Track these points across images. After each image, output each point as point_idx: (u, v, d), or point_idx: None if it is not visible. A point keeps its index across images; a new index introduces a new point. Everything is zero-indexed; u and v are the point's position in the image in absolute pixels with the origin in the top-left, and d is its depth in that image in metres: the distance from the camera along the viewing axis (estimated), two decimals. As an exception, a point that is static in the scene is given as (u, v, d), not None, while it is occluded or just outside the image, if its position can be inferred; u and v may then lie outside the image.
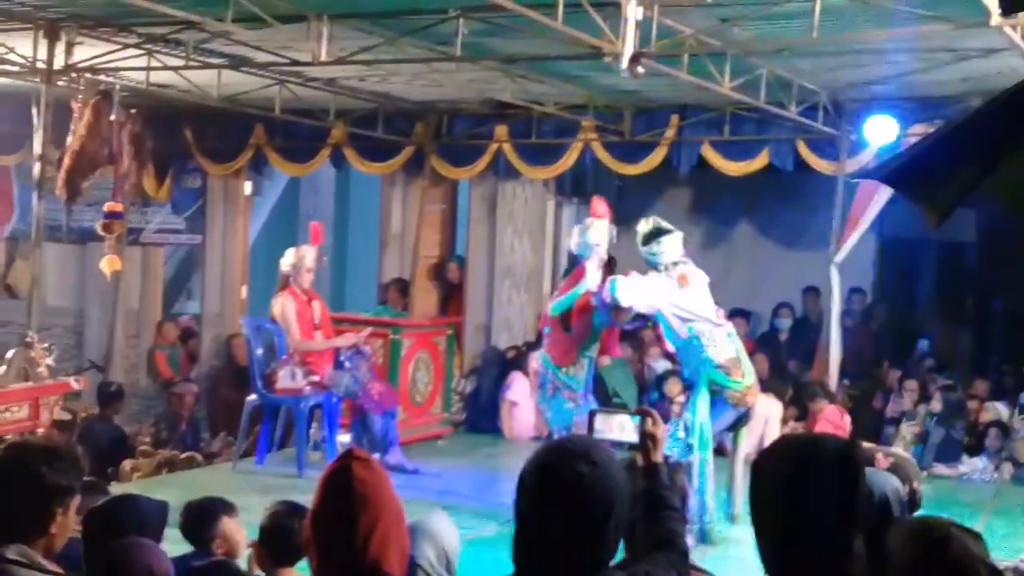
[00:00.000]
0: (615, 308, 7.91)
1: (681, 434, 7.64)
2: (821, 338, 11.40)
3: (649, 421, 2.94)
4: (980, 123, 3.95)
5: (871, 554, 2.49)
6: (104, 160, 9.71)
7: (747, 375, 7.83)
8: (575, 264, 8.66)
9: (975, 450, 10.36)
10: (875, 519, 2.78)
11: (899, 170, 4.41)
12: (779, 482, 2.51)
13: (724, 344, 7.74)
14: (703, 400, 7.65)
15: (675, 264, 7.76)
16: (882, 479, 3.50)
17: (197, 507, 4.72)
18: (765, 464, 2.60)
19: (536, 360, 8.76)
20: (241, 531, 4.57)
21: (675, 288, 7.70)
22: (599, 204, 8.48)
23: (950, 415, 10.55)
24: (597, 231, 8.26)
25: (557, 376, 8.25)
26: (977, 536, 2.70)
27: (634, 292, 7.70)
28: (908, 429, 10.47)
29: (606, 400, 11.10)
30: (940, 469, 10.19)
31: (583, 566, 2.41)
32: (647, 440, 2.92)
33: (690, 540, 7.28)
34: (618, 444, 2.92)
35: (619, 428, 2.95)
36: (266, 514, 4.41)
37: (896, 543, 2.60)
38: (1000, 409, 10.56)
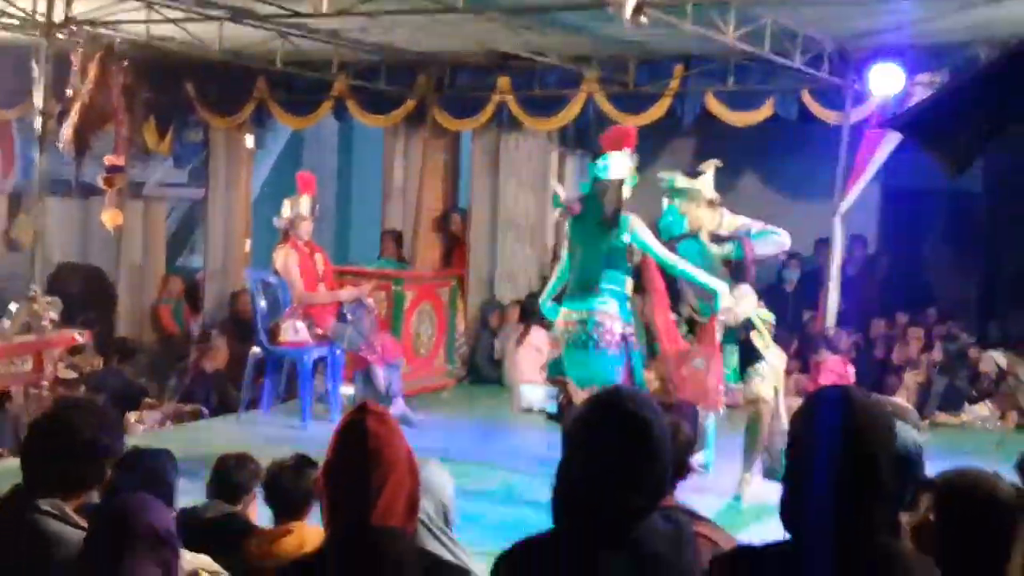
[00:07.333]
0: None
1: (771, 378, 7.50)
2: (822, 288, 11.38)
3: (564, 394, 3.06)
4: (993, 74, 3.93)
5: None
6: (111, 114, 9.68)
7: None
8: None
9: (979, 399, 10.38)
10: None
11: (917, 120, 4.40)
12: (791, 427, 2.52)
13: None
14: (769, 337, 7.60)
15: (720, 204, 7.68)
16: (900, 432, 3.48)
17: (248, 460, 4.73)
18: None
19: (619, 319, 6.65)
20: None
21: None
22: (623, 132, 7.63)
23: (952, 364, 10.58)
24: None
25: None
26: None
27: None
28: (912, 378, 10.48)
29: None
30: (943, 418, 10.21)
31: (630, 508, 2.42)
32: (563, 409, 3.04)
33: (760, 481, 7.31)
34: (542, 412, 3.08)
35: (542, 398, 3.10)
36: (272, 466, 4.45)
37: (943, 505, 2.57)
38: (1001, 358, 10.56)
